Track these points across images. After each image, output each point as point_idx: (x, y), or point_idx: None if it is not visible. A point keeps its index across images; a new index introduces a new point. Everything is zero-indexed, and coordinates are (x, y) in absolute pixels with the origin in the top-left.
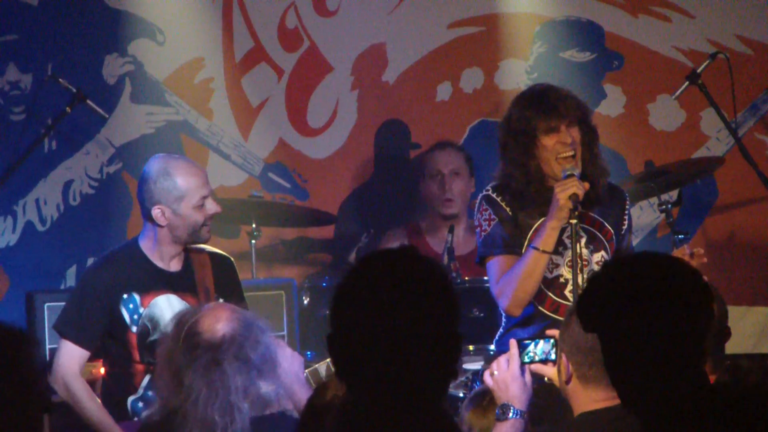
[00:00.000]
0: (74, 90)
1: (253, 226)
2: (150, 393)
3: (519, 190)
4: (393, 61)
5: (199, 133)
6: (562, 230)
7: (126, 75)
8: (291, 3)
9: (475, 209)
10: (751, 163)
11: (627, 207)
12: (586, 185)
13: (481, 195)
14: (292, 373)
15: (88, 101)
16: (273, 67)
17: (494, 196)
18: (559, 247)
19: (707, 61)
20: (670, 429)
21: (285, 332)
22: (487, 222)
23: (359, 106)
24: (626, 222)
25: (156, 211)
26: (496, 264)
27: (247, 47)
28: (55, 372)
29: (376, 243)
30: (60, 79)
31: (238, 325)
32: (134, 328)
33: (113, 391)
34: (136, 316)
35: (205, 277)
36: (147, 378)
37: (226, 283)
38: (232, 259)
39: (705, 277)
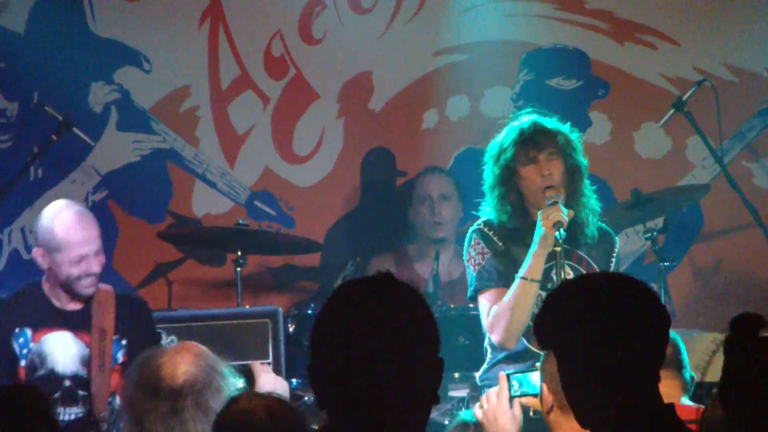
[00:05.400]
0: (60, 118)
1: (239, 254)
2: None
3: (504, 223)
4: (379, 89)
5: (185, 161)
6: (549, 269)
7: (112, 103)
8: (277, 31)
9: (466, 243)
10: (737, 190)
11: (615, 251)
12: (571, 213)
13: (472, 229)
14: None
15: (75, 129)
16: (259, 95)
17: (486, 230)
18: (547, 283)
19: (693, 89)
20: None
21: (270, 360)
22: (480, 256)
23: (345, 133)
24: (612, 266)
25: (35, 252)
26: (490, 297)
27: (233, 75)
28: None
29: (363, 270)
30: (46, 107)
31: (199, 372)
32: (23, 362)
33: None
34: (25, 351)
35: (105, 318)
36: None
37: (133, 324)
38: (144, 300)
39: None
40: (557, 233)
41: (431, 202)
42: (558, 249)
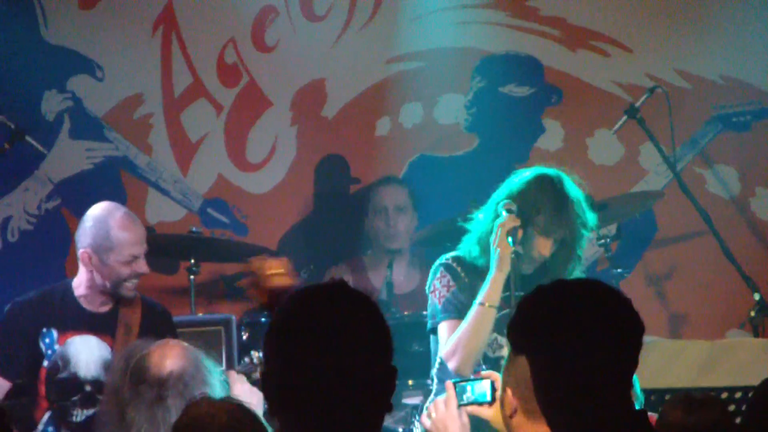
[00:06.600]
0: (13, 126)
1: (192, 261)
2: (50, 429)
3: (475, 258)
4: (332, 97)
5: (139, 168)
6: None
7: (65, 111)
8: (230, 38)
9: (431, 275)
10: (690, 197)
11: None
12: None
13: (438, 263)
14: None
15: (27, 137)
16: (212, 103)
17: (454, 264)
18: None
19: (646, 96)
20: None
21: (224, 368)
22: (445, 288)
23: (299, 141)
24: None
25: (83, 254)
26: (449, 326)
27: (186, 83)
28: None
29: (317, 278)
30: None
31: (187, 363)
32: (46, 363)
33: (13, 423)
34: (50, 352)
35: (132, 316)
36: (48, 414)
37: (156, 330)
38: (167, 309)
39: None
40: (509, 239)
41: (386, 214)
42: (513, 249)
